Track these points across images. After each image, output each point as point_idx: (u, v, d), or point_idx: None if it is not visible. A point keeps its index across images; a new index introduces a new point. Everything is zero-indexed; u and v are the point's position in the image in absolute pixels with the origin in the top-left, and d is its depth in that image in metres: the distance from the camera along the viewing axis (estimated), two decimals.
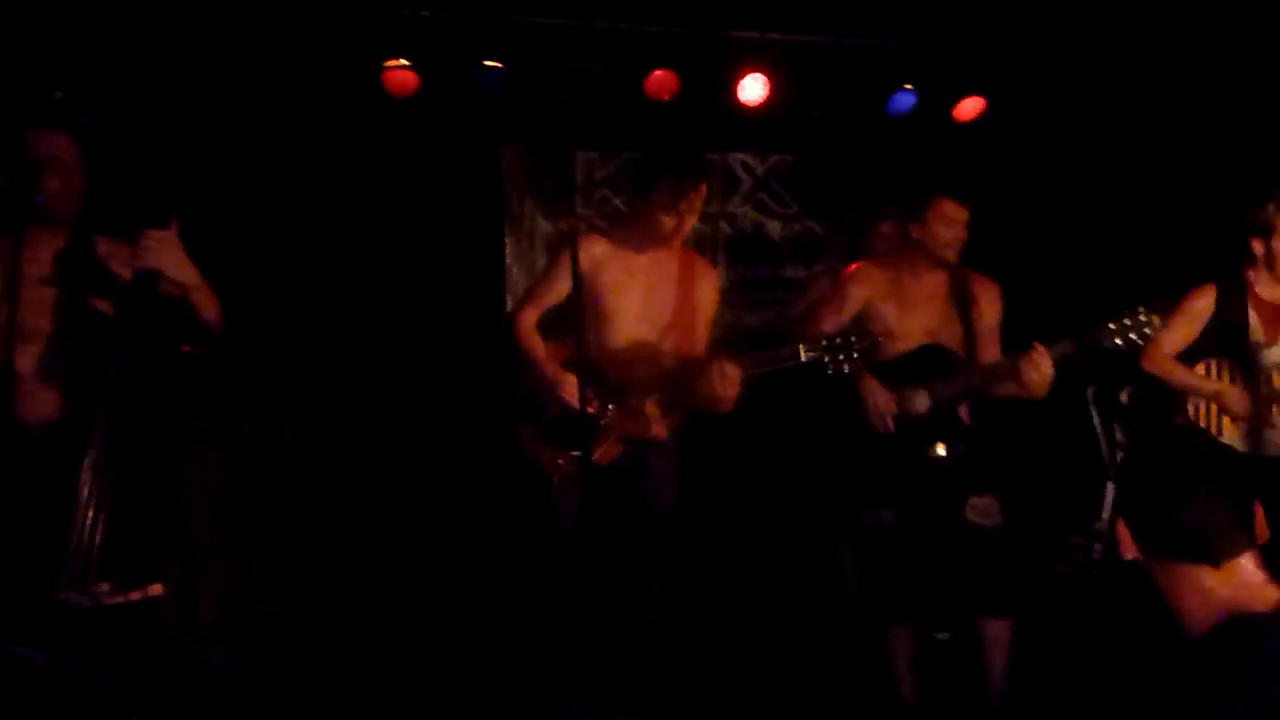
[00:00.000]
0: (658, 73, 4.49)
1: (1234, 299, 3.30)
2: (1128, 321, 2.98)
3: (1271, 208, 3.20)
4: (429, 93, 4.39)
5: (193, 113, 4.16)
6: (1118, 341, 2.98)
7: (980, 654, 3.24)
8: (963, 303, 3.24)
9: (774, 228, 5.26)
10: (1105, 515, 4.70)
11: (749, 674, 3.65)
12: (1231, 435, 3.31)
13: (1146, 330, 2.97)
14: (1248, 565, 1.58)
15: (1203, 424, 3.34)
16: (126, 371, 2.12)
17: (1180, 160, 4.76)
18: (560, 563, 2.99)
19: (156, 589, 2.04)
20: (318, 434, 4.15)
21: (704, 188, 3.03)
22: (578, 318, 2.93)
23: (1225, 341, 3.28)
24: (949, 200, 3.19)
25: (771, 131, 5.00)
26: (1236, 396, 3.26)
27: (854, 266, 3.43)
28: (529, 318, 3.11)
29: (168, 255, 2.29)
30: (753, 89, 4.59)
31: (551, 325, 3.13)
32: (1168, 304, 3.16)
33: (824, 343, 2.96)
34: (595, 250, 3.07)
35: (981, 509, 3.14)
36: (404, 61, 4.28)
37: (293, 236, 4.48)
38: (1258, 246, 3.25)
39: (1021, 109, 4.93)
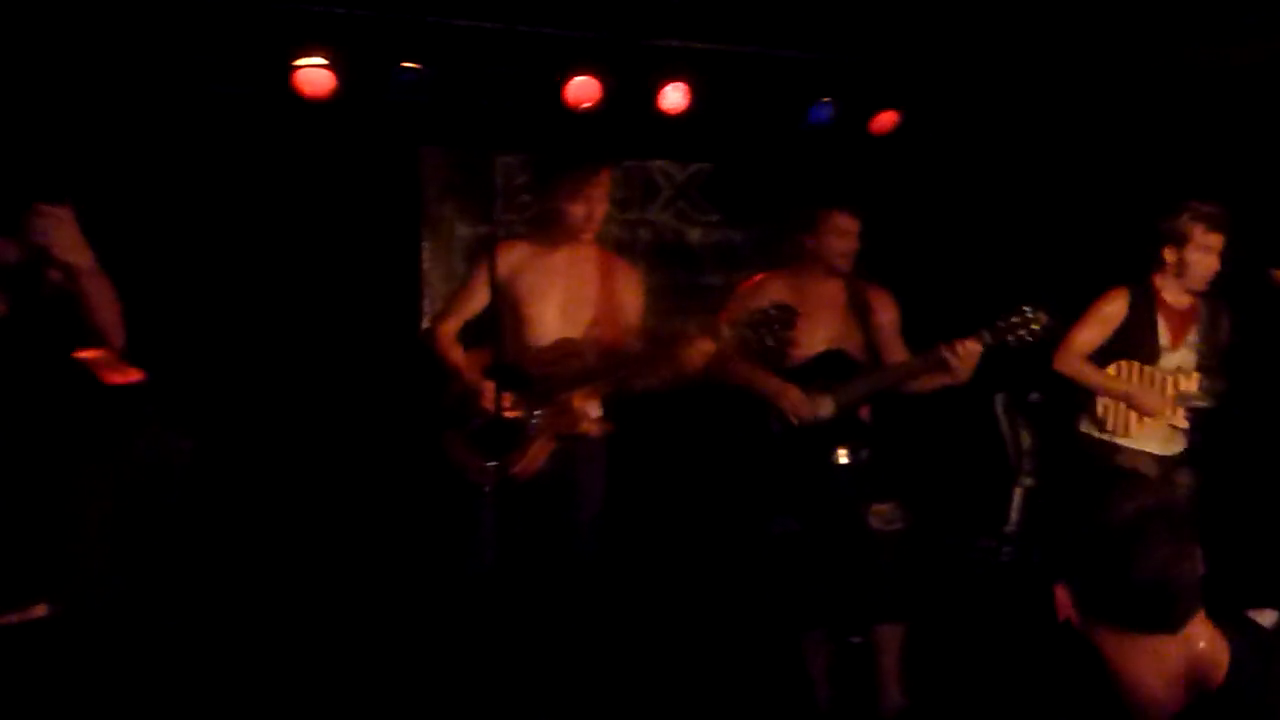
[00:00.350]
0: (579, 78, 4.47)
1: (1144, 304, 3.40)
2: (1015, 319, 3.06)
3: (1186, 218, 3.30)
4: (346, 93, 4.29)
5: (98, 107, 4.00)
6: (1008, 338, 3.06)
7: (874, 659, 3.30)
8: (861, 311, 3.32)
9: (694, 235, 5.29)
10: (1013, 519, 4.86)
11: (669, 684, 3.64)
12: (1138, 434, 3.42)
13: (1034, 326, 3.05)
14: (1201, 626, 1.42)
15: (1111, 424, 3.44)
16: (7, 383, 2.01)
17: (1088, 168, 4.91)
18: (486, 573, 2.95)
19: (40, 610, 1.94)
20: (228, 445, 4.05)
21: (605, 173, 3.05)
22: (498, 324, 2.93)
23: (1134, 344, 3.39)
24: (840, 212, 3.28)
25: (692, 140, 5.03)
26: (1146, 397, 3.35)
27: (755, 278, 3.48)
28: (449, 329, 3.10)
29: (60, 232, 2.09)
30: (673, 97, 4.60)
31: (477, 332, 3.11)
32: (1059, 305, 3.22)
33: (746, 320, 2.96)
34: (513, 256, 3.06)
35: (882, 515, 3.20)
36: (319, 61, 4.17)
37: (203, 238, 4.34)
38: (1169, 255, 3.36)
39: (938, 121, 5.05)
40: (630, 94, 4.60)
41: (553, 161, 3.10)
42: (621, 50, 4.52)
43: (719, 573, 4.18)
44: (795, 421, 3.23)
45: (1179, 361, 3.41)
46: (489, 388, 2.89)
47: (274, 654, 3.57)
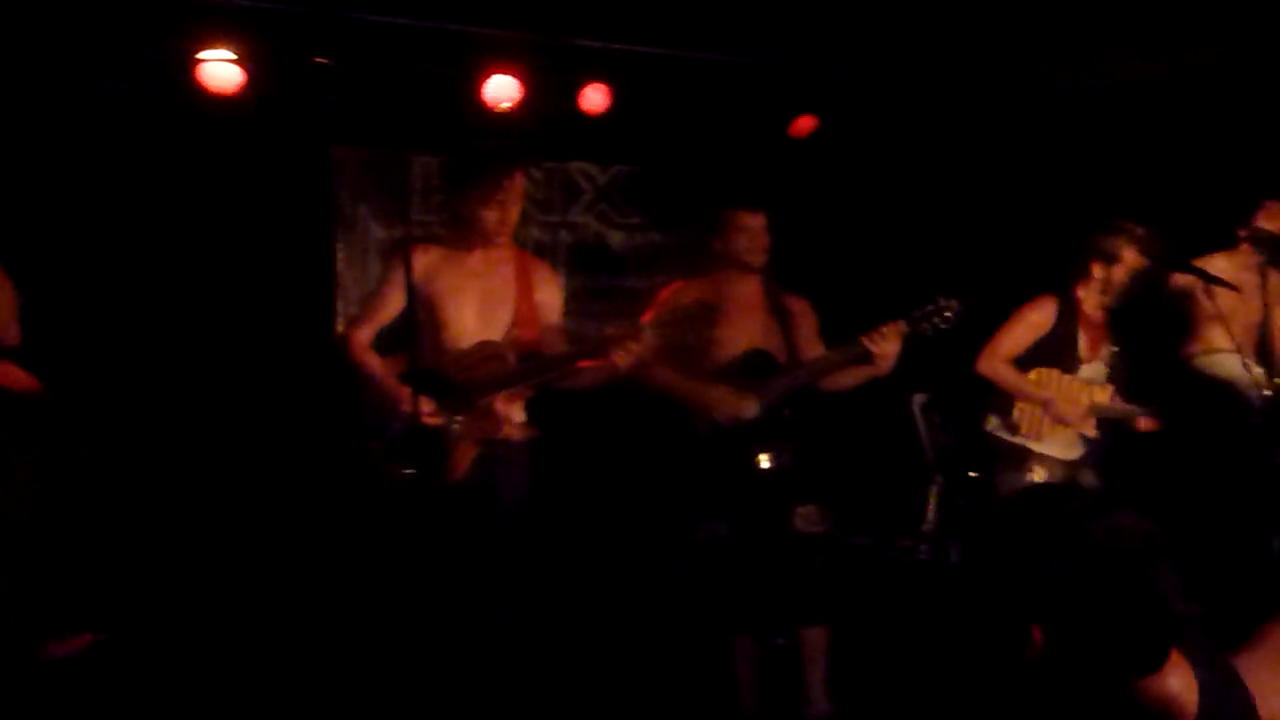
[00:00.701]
0: (498, 77, 4.40)
1: (1068, 314, 3.48)
2: (931, 308, 3.12)
3: (1121, 240, 3.39)
4: (254, 89, 4.14)
5: None
6: (924, 327, 3.11)
7: (799, 662, 3.31)
8: (779, 313, 3.34)
9: (615, 238, 5.25)
10: (930, 518, 4.96)
11: (595, 688, 3.60)
12: (1051, 441, 3.51)
13: (947, 314, 3.11)
14: (1178, 661, 1.30)
15: (1025, 429, 3.51)
16: None
17: (1010, 176, 5.04)
18: (411, 580, 2.89)
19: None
20: (133, 452, 3.87)
21: (518, 175, 3.01)
22: (413, 329, 2.85)
23: (1055, 353, 3.46)
24: (743, 210, 3.30)
25: (614, 142, 5.00)
26: (1065, 406, 3.43)
27: (674, 285, 3.48)
28: (363, 336, 3.02)
29: None
30: (594, 98, 4.57)
31: (392, 338, 3.03)
32: (969, 299, 3.27)
33: (667, 318, 2.98)
34: (427, 259, 2.99)
35: (807, 517, 3.22)
36: (226, 55, 4.02)
37: (107, 239, 4.14)
38: (1098, 270, 3.44)
39: (857, 126, 5.12)
40: (551, 94, 4.55)
41: (464, 164, 3.03)
42: (542, 49, 4.46)
43: (645, 578, 4.17)
44: (721, 422, 3.22)
45: (1094, 373, 3.50)
46: (407, 394, 2.82)
47: (180, 664, 3.42)
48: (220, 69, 4.01)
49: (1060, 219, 3.65)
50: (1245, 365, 3.57)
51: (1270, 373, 3.56)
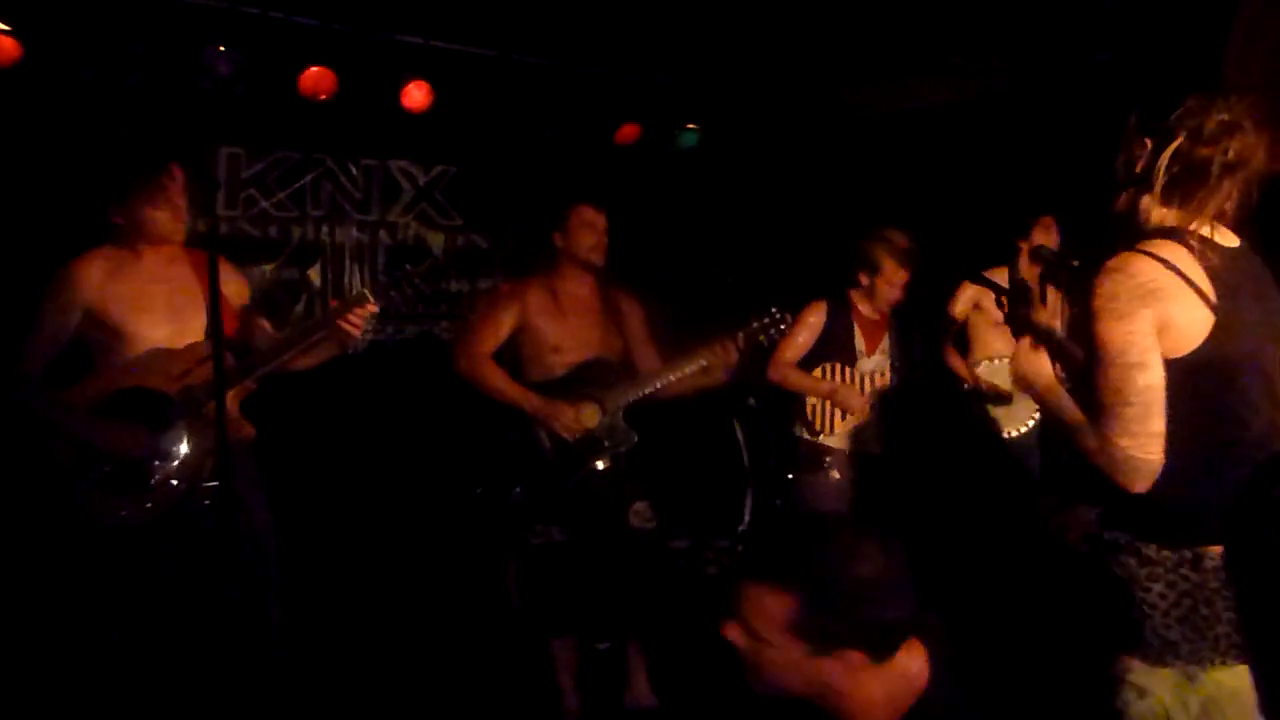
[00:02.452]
0: (314, 69, 4.22)
1: (842, 314, 3.71)
2: (766, 319, 3.26)
3: (880, 249, 3.61)
4: (33, 64, 3.79)
5: None
6: (761, 338, 3.25)
7: (624, 660, 3.35)
8: (614, 313, 3.36)
9: (436, 240, 5.14)
10: (746, 519, 5.11)
11: (406, 695, 3.50)
12: (841, 432, 3.69)
13: (782, 326, 3.27)
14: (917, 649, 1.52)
15: (819, 424, 3.70)
16: None
17: (810, 189, 5.29)
18: (165, 618, 2.67)
19: None
20: None
21: (179, 170, 2.77)
22: (90, 350, 2.67)
23: (834, 349, 3.70)
24: (587, 206, 3.31)
25: (435, 141, 4.90)
26: (848, 395, 3.64)
27: (506, 286, 3.45)
28: (32, 370, 2.68)
29: None
30: (415, 96, 4.46)
31: (67, 366, 2.73)
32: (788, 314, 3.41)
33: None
34: (93, 273, 2.71)
35: (641, 514, 3.26)
36: (3, 26, 3.66)
37: None
38: (863, 278, 3.68)
39: (673, 137, 5.24)
40: (369, 89, 4.41)
41: (121, 164, 2.77)
42: (360, 44, 4.32)
43: (471, 583, 4.10)
44: (566, 436, 3.20)
45: (874, 365, 3.74)
46: (114, 425, 2.61)
47: None
48: None
49: (849, 231, 3.86)
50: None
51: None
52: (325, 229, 4.84)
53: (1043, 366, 1.95)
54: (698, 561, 4.81)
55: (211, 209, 3.98)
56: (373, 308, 2.75)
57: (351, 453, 4.58)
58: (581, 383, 3.26)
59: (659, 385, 3.28)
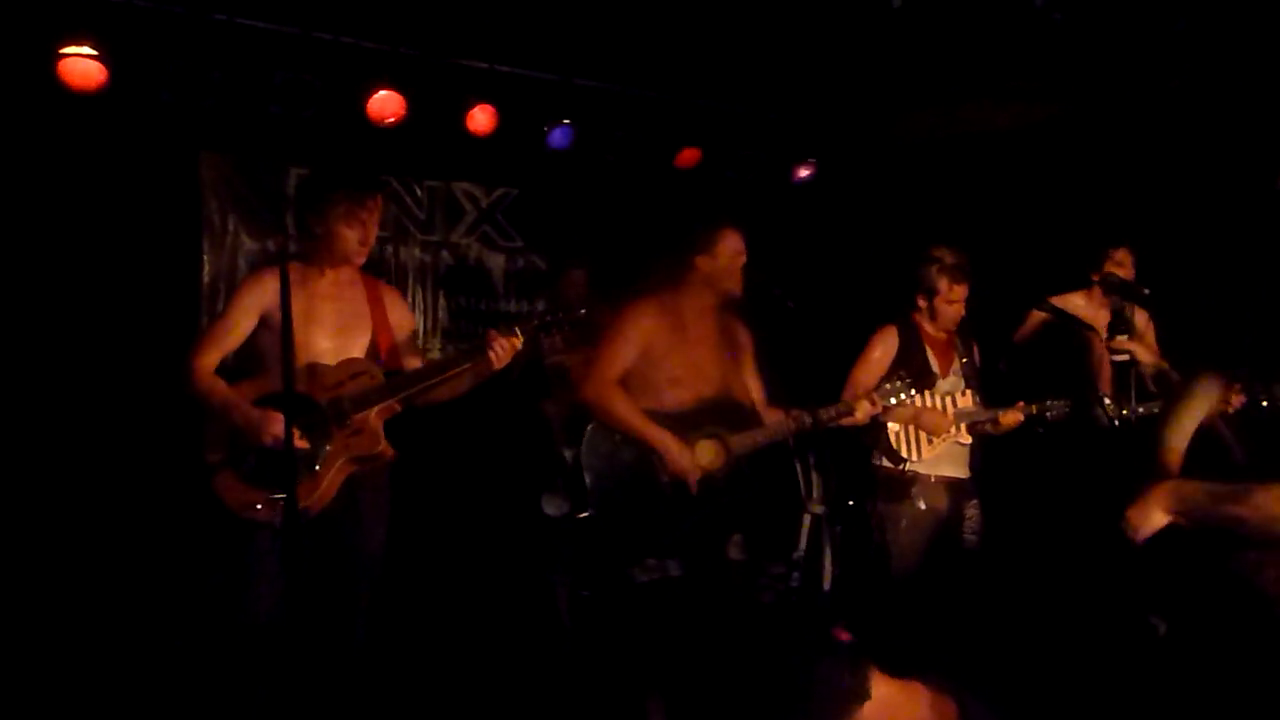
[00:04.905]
0: (382, 92, 4.31)
1: (912, 337, 3.67)
2: (888, 386, 3.31)
3: (934, 270, 3.58)
4: (117, 88, 3.92)
5: None
6: (891, 400, 3.30)
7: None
8: (733, 345, 3.30)
9: (496, 261, 5.19)
10: (802, 545, 5.06)
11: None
12: (930, 458, 3.62)
13: (903, 395, 3.29)
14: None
15: (905, 451, 3.62)
16: None
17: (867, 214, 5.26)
18: (271, 618, 2.71)
19: None
20: None
21: (380, 197, 2.94)
22: (261, 354, 2.81)
23: (911, 373, 3.61)
24: (736, 231, 3.21)
25: (497, 164, 4.96)
26: (930, 415, 3.58)
27: (627, 309, 3.24)
28: (208, 363, 2.83)
29: None
30: (481, 119, 4.52)
31: (236, 365, 2.90)
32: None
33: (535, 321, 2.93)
34: (275, 284, 2.75)
35: (739, 545, 3.23)
36: (87, 50, 3.79)
37: None
38: (921, 301, 3.65)
39: (737, 160, 5.24)
40: (436, 113, 4.49)
41: (327, 180, 2.90)
42: (428, 67, 4.40)
43: (518, 606, 4.11)
44: (689, 481, 3.09)
45: (951, 386, 3.68)
46: (275, 417, 2.69)
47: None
48: (81, 65, 3.78)
49: (913, 254, 3.83)
50: (1096, 397, 3.80)
51: (1119, 405, 3.80)
52: (389, 249, 4.92)
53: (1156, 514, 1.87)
54: (753, 588, 4.77)
55: (282, 226, 4.08)
56: (518, 341, 2.84)
57: (429, 478, 4.61)
58: (705, 420, 3.13)
59: (783, 438, 3.23)
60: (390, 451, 2.90)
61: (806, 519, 4.97)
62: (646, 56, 4.54)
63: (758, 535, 3.99)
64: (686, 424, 3.11)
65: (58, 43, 3.74)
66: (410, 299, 4.96)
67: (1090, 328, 3.73)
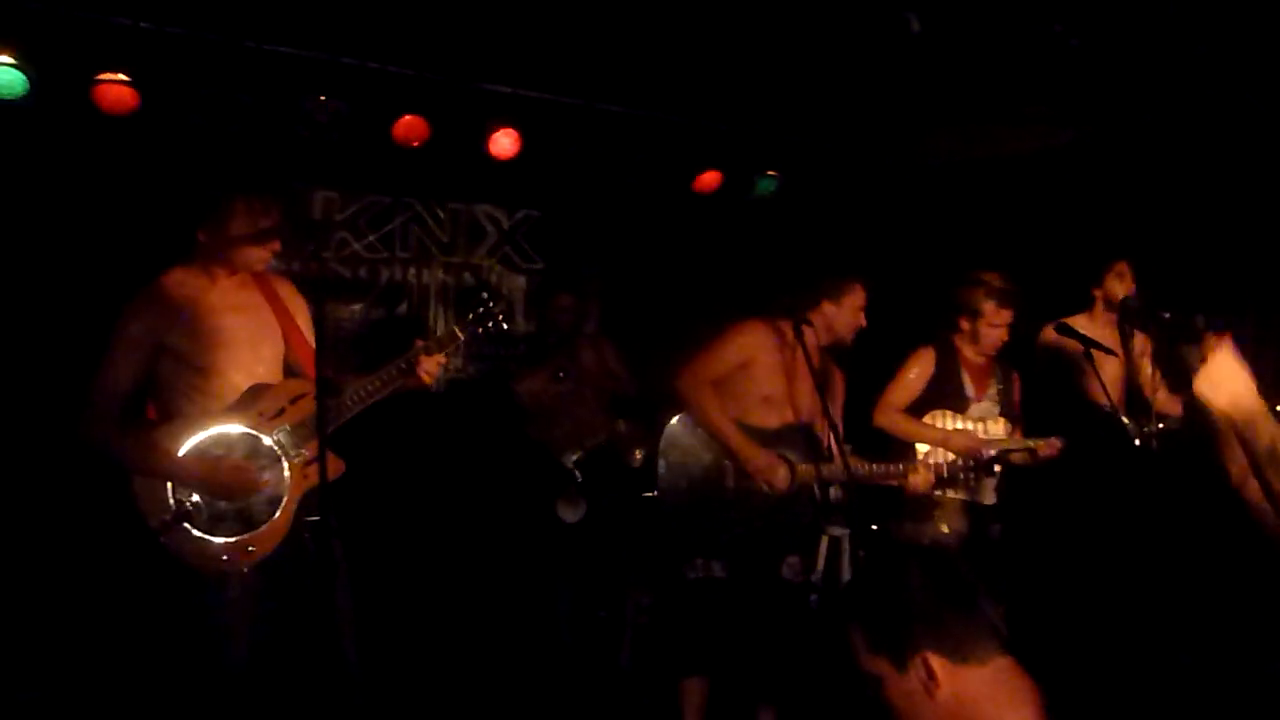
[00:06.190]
0: (407, 117, 4.37)
1: (948, 359, 3.67)
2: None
3: (981, 293, 3.58)
4: (148, 112, 3.99)
5: None
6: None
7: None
8: (828, 383, 3.37)
9: (517, 282, 5.24)
10: (820, 566, 5.05)
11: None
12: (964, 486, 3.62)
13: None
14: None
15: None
16: None
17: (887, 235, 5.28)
18: (255, 657, 2.61)
19: None
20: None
21: (278, 202, 2.71)
22: (161, 388, 2.58)
23: (944, 395, 3.63)
24: (862, 286, 3.36)
25: (519, 186, 5.02)
26: (961, 441, 3.56)
27: (738, 323, 3.38)
28: (109, 411, 2.55)
29: None
30: (504, 143, 4.58)
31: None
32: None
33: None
34: (165, 305, 2.61)
35: (794, 566, 3.29)
36: (121, 76, 3.87)
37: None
38: (964, 323, 3.64)
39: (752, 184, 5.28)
40: (459, 136, 4.54)
41: (222, 196, 2.66)
42: (452, 92, 4.46)
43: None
44: (763, 490, 3.23)
45: (983, 411, 3.67)
46: (221, 462, 2.53)
47: None
48: (114, 89, 3.86)
49: (931, 277, 3.84)
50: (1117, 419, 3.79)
51: (1140, 424, 3.78)
52: (412, 270, 4.98)
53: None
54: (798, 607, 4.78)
55: (321, 248, 3.99)
56: (443, 359, 2.80)
57: (433, 490, 4.65)
58: (783, 444, 3.28)
59: (836, 482, 3.29)
60: (340, 465, 2.71)
61: (824, 540, 5.01)
62: (669, 81, 4.59)
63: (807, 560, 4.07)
64: (765, 442, 3.26)
65: (94, 70, 3.82)
66: (431, 320, 5.01)
67: (1105, 348, 3.72)
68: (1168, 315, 3.60)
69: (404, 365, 2.76)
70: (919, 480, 3.37)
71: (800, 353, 3.27)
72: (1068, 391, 3.97)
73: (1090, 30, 3.88)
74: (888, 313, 4.67)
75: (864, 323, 3.39)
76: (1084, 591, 3.69)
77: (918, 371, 3.64)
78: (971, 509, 3.63)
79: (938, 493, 3.60)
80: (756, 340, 3.31)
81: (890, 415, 3.62)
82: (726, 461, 3.25)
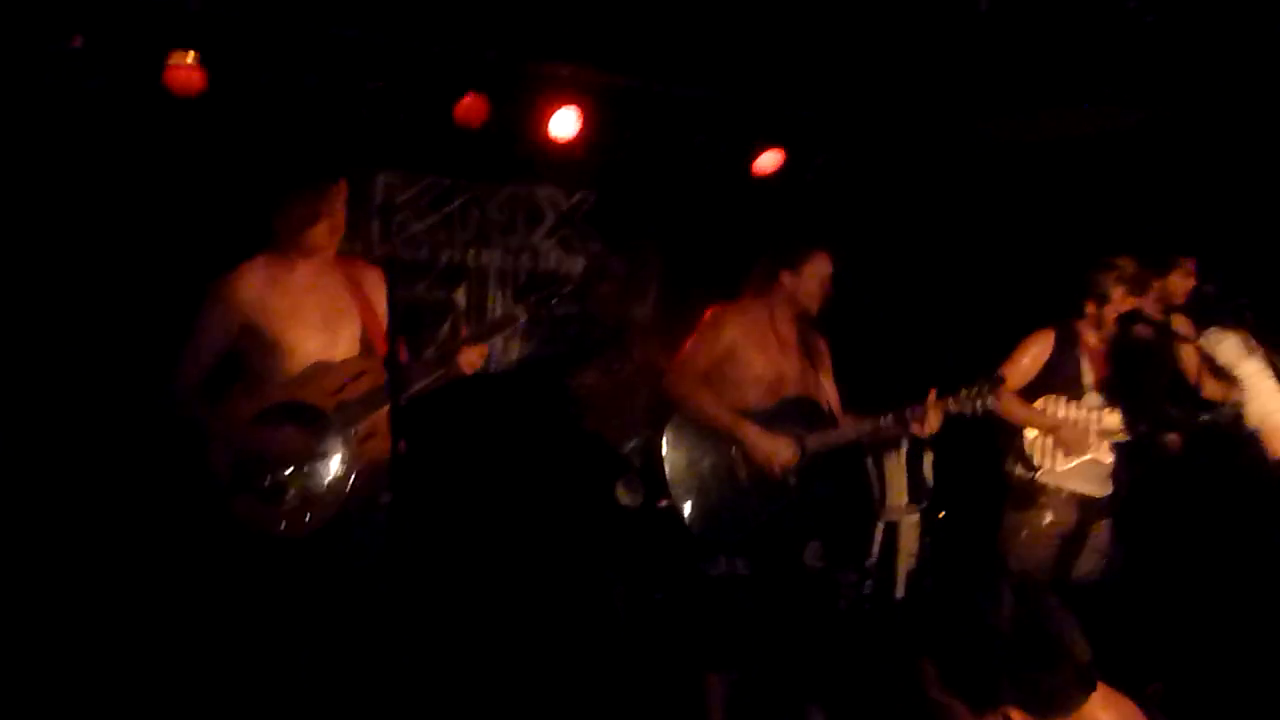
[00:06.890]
0: (469, 98, 4.38)
1: (1068, 345, 3.54)
2: (976, 389, 3.18)
3: (1113, 278, 3.47)
4: (215, 94, 4.04)
5: None
6: (975, 406, 3.16)
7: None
8: (814, 352, 3.34)
9: (575, 265, 5.24)
10: (874, 553, 5.02)
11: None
12: (1066, 472, 3.51)
13: (990, 399, 3.17)
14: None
15: (1038, 459, 3.52)
16: None
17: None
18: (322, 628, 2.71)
19: None
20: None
21: (343, 183, 2.81)
22: (245, 363, 2.71)
23: (1059, 381, 3.51)
24: (825, 256, 3.30)
25: (577, 168, 5.00)
26: (1072, 431, 3.45)
27: (717, 308, 3.38)
28: (194, 382, 2.73)
29: None
30: (565, 123, 4.56)
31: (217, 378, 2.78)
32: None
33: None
34: (250, 285, 2.76)
35: (816, 552, 3.26)
36: (190, 58, 3.92)
37: (52, 244, 3.92)
38: (1090, 307, 3.53)
39: (817, 164, 5.22)
40: (519, 117, 4.54)
41: (283, 175, 2.82)
42: (512, 71, 4.45)
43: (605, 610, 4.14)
44: (763, 467, 3.20)
45: (1102, 400, 3.54)
46: (284, 431, 2.63)
47: None
48: (184, 72, 3.91)
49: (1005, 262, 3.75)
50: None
51: (1187, 413, 3.68)
52: (471, 252, 4.99)
53: None
54: (827, 596, 4.75)
55: (368, 233, 4.06)
56: (485, 349, 2.86)
57: (490, 472, 4.68)
58: (785, 418, 3.24)
59: (859, 439, 3.25)
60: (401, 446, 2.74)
61: (879, 526, 4.97)
62: (729, 60, 4.54)
63: (834, 542, 4.02)
64: (767, 421, 3.23)
65: (164, 51, 3.87)
66: (490, 301, 5.03)
67: (1181, 334, 3.61)
68: (1246, 304, 3.51)
69: (441, 356, 2.83)
70: (934, 421, 3.22)
71: (779, 326, 3.28)
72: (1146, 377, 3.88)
73: (1166, 6, 3.77)
74: (947, 296, 4.63)
75: (830, 292, 3.31)
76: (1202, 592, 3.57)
77: (1033, 355, 3.53)
78: (1081, 504, 3.51)
79: (1045, 481, 3.47)
80: (734, 323, 3.29)
81: (1002, 398, 3.47)
82: (734, 452, 3.21)
